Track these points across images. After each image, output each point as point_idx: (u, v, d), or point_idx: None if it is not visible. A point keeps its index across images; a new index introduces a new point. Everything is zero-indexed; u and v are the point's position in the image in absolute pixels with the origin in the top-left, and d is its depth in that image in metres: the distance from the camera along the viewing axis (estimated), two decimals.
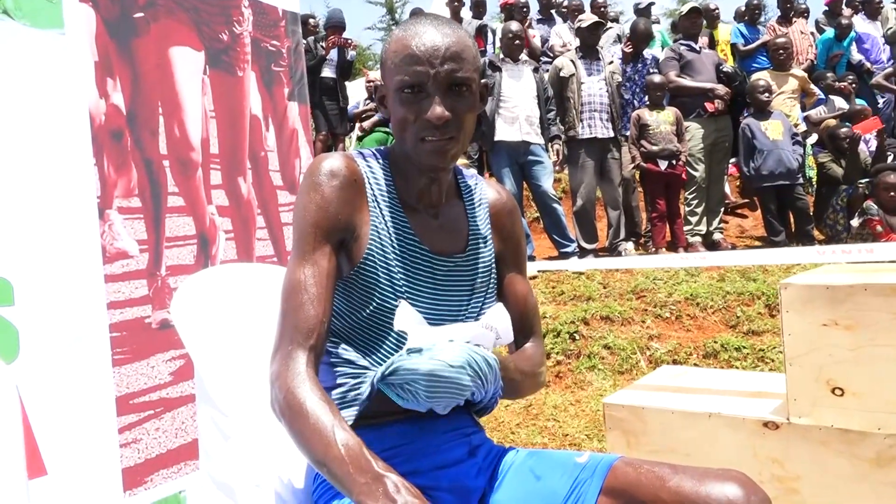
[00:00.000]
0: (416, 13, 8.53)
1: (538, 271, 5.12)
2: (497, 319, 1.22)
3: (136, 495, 2.03)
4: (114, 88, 2.05)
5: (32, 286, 1.80)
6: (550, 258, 5.98)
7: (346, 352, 1.23)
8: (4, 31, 1.79)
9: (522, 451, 1.32)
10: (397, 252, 1.23)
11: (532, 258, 5.58)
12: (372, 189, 1.24)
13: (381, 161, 1.28)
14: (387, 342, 1.21)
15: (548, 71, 6.16)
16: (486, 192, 1.40)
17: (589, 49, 5.96)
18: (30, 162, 1.84)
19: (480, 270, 1.32)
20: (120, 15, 2.09)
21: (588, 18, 6.13)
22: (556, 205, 5.60)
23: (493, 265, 1.36)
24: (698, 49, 6.24)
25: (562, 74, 5.87)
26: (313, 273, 1.16)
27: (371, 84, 7.54)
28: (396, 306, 1.18)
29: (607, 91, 5.85)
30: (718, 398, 2.36)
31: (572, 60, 5.91)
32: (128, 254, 2.07)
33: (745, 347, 4.47)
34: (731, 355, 4.41)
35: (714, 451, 2.15)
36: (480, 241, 1.34)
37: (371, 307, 1.21)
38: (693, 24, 6.31)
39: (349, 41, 7.13)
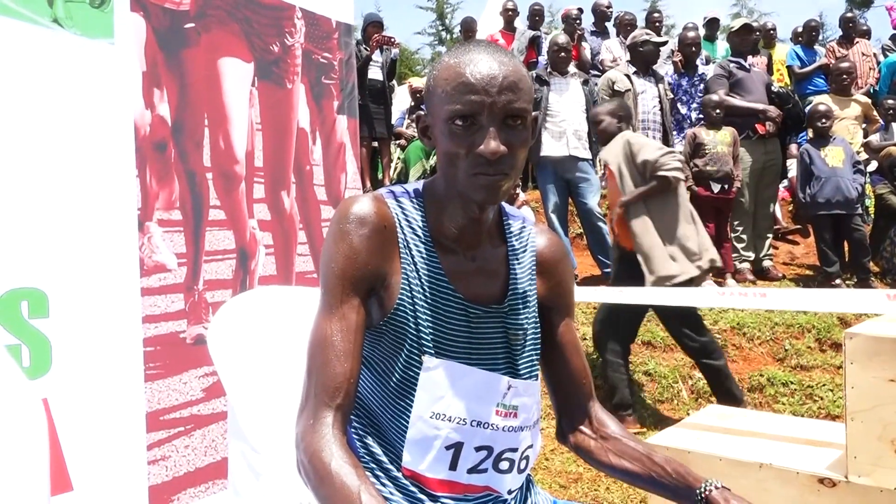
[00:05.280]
0: (467, 23, 8.45)
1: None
2: None
3: None
4: (160, 99, 2.01)
5: (68, 298, 1.77)
6: (592, 276, 5.86)
7: (367, 434, 1.19)
8: (54, 40, 1.76)
9: None
10: (428, 301, 1.16)
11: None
12: (403, 232, 1.18)
13: (414, 200, 1.21)
14: (406, 414, 1.14)
15: (597, 84, 6.01)
16: (535, 238, 1.31)
17: (643, 65, 5.82)
18: (71, 171, 1.81)
19: (520, 322, 1.24)
20: (171, 25, 2.06)
21: (649, 36, 5.94)
22: (600, 223, 5.47)
23: (537, 318, 1.28)
24: (748, 67, 5.98)
25: (616, 88, 5.72)
26: (341, 328, 1.10)
27: (414, 90, 7.39)
28: (421, 362, 1.13)
29: (660, 109, 5.70)
30: (770, 446, 2.24)
31: (627, 75, 5.77)
32: (166, 267, 2.03)
33: (792, 383, 4.30)
34: (778, 390, 4.24)
35: None
36: (519, 289, 1.25)
37: (400, 360, 1.15)
38: (743, 41, 6.04)
39: (392, 39, 6.96)
